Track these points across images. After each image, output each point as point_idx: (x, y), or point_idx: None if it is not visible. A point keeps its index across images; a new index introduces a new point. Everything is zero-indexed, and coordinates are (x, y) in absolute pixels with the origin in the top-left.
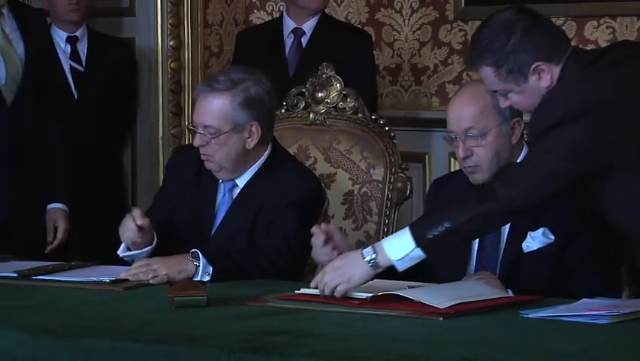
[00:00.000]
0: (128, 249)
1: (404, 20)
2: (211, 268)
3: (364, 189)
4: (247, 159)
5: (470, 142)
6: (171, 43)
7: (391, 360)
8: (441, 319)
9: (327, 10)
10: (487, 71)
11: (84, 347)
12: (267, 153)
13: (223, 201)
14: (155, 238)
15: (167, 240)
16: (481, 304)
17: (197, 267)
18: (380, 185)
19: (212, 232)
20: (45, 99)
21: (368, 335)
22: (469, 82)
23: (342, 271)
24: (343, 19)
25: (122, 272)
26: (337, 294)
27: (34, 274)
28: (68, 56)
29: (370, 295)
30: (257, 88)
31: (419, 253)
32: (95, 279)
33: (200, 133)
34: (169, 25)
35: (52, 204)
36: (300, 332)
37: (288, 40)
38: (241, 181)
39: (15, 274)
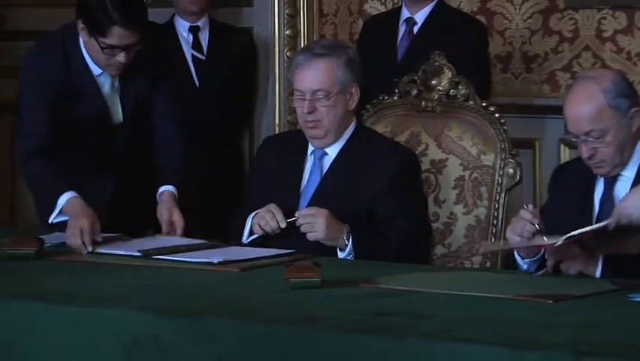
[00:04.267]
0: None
1: (515, 9)
2: (352, 253)
3: (475, 175)
4: (345, 124)
5: (592, 143)
6: (288, 32)
7: (502, 342)
8: (550, 302)
9: None
10: None
11: (204, 327)
12: (354, 123)
13: (313, 169)
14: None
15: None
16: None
17: (346, 245)
18: (490, 170)
19: (304, 198)
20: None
21: (478, 317)
22: (581, 78)
23: None
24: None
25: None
26: None
27: (157, 254)
28: (190, 45)
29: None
30: (353, 51)
31: None
32: (205, 260)
33: (308, 100)
34: (286, 15)
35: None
36: (412, 314)
37: (401, 29)
38: (332, 150)
39: (138, 253)
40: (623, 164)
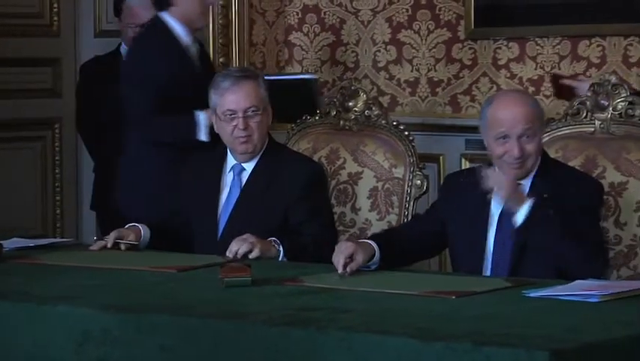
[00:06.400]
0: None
1: (422, 40)
2: (283, 252)
3: (387, 186)
4: (264, 140)
5: (523, 142)
6: (222, 59)
7: (410, 333)
8: (453, 297)
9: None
10: None
11: (148, 321)
12: (267, 139)
13: (233, 184)
14: None
15: (177, 226)
16: None
17: (279, 251)
18: (401, 182)
19: (225, 211)
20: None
21: (391, 311)
22: (507, 91)
23: None
24: (370, 39)
25: (232, 249)
26: None
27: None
28: None
29: None
30: (262, 74)
31: None
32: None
33: (241, 117)
34: (219, 45)
35: None
36: (332, 309)
37: None
38: (249, 165)
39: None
40: (532, 171)
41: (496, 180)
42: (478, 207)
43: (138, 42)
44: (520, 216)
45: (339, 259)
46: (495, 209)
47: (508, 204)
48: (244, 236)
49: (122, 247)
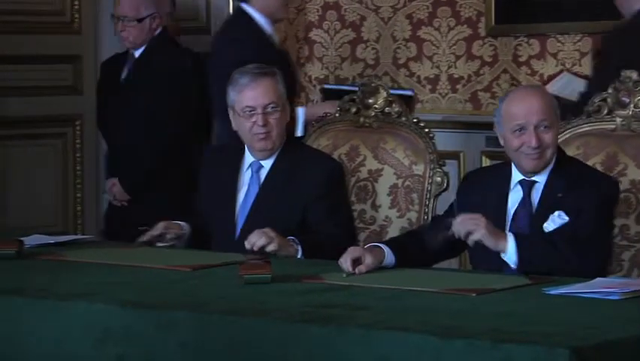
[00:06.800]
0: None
1: (442, 37)
2: (301, 251)
3: (407, 183)
4: (283, 136)
5: (541, 132)
6: None
7: (431, 331)
8: (473, 295)
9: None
10: None
11: (167, 318)
12: (285, 137)
13: (252, 182)
14: None
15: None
16: None
17: (297, 251)
18: (421, 179)
19: (243, 209)
20: None
21: (411, 308)
22: (523, 86)
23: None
24: (390, 36)
25: (251, 240)
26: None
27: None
28: None
29: None
30: (278, 71)
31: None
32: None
33: (260, 114)
34: None
35: None
36: (353, 306)
37: None
38: (267, 162)
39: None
40: (549, 163)
41: (470, 223)
42: (495, 204)
43: (225, 35)
44: (510, 254)
45: (346, 261)
46: (511, 206)
47: (488, 244)
48: (264, 229)
49: (168, 236)
